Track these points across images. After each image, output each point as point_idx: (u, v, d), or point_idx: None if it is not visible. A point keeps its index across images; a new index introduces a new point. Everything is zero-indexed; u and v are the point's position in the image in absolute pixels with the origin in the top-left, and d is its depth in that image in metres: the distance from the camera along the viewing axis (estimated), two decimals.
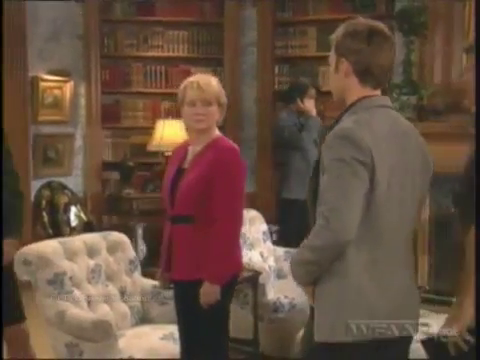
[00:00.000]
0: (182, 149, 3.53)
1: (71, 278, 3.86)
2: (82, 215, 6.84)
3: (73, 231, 6.73)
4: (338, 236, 2.31)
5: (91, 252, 4.08)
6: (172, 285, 3.54)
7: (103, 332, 3.57)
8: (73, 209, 6.79)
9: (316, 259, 2.39)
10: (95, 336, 3.57)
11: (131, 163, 6.98)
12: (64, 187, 6.83)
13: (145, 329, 3.97)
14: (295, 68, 7.26)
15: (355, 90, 2.51)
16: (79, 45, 6.96)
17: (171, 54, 7.27)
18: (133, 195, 6.91)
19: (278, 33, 7.26)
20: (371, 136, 2.37)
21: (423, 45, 5.98)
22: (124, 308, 4.10)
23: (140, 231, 6.83)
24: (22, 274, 3.72)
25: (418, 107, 5.88)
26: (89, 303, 3.92)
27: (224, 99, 3.43)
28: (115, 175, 7.13)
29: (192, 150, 3.44)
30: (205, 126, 3.37)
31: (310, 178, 2.57)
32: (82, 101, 7.04)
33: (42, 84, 6.61)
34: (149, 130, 7.05)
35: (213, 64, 7.35)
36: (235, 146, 3.41)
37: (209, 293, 3.27)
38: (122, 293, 4.15)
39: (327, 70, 6.99)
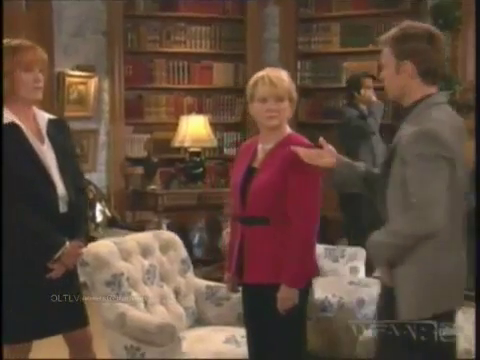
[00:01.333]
0: (250, 147, 3.22)
1: (128, 279, 3.60)
2: (106, 211, 6.57)
3: (98, 227, 6.46)
4: (431, 226, 2.45)
5: (145, 252, 3.81)
6: (240, 288, 3.27)
7: (168, 336, 3.31)
8: (98, 205, 6.51)
9: (403, 245, 2.52)
10: (159, 340, 3.30)
11: (155, 159, 6.69)
12: (89, 183, 6.53)
13: (205, 331, 3.69)
14: (318, 64, 7.02)
15: (418, 89, 2.60)
16: (103, 41, 6.67)
17: (194, 50, 7.01)
18: (158, 191, 6.62)
19: (301, 29, 7.02)
20: (449, 132, 2.51)
21: (455, 40, 5.76)
22: (179, 309, 3.83)
23: (164, 227, 6.58)
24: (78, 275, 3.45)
25: (451, 102, 5.63)
26: (145, 304, 3.66)
27: (295, 94, 3.13)
28: (138, 171, 6.84)
29: (262, 148, 3.13)
30: (277, 123, 3.07)
31: (381, 170, 2.70)
32: (106, 97, 6.76)
33: (68, 79, 6.34)
34: (172, 126, 6.83)
35: (235, 60, 7.10)
36: (310, 143, 3.08)
37: (287, 298, 2.99)
38: (176, 294, 3.88)
39: (353, 66, 6.83)
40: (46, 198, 3.06)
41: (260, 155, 3.13)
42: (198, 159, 6.74)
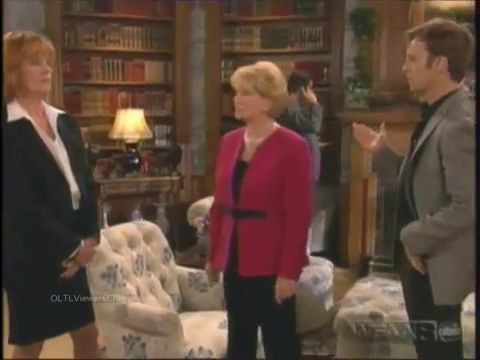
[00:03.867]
0: (236, 140, 2.83)
1: (121, 270, 3.20)
2: None
3: None
4: (474, 217, 2.26)
5: (131, 243, 3.42)
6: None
7: (172, 325, 2.98)
8: None
9: (446, 236, 2.32)
10: (164, 329, 2.97)
11: (95, 150, 6.18)
12: None
13: (197, 317, 3.35)
14: (240, 63, 6.67)
15: (447, 84, 2.41)
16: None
17: (127, 49, 6.49)
18: (99, 180, 6.13)
19: (224, 31, 6.67)
20: None
21: (371, 43, 5.64)
22: (166, 296, 3.48)
23: (105, 215, 6.13)
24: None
25: (370, 99, 5.55)
26: (138, 294, 3.28)
27: (273, 92, 2.71)
28: None
29: (250, 142, 2.78)
30: (244, 115, 2.73)
31: (407, 166, 2.47)
32: None
33: None
34: (108, 119, 6.38)
35: (165, 59, 6.65)
36: (303, 139, 2.80)
37: (286, 289, 2.71)
38: (162, 282, 3.52)
39: None
40: (60, 196, 2.61)
41: (249, 149, 2.78)
42: (134, 150, 6.31)
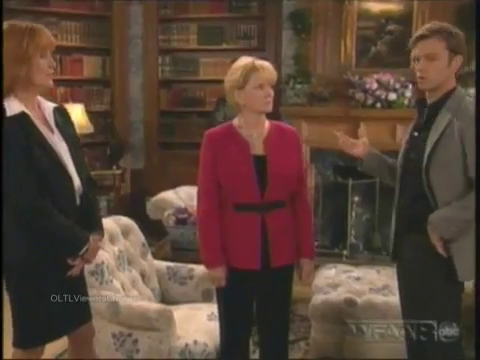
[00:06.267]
0: (229, 135, 2.62)
1: (107, 267, 3.00)
2: None
3: None
4: None
5: (112, 238, 3.21)
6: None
7: (167, 320, 2.81)
8: None
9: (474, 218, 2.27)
10: (159, 325, 2.79)
11: None
12: None
13: (184, 310, 3.15)
14: (177, 59, 6.54)
15: (452, 81, 2.44)
16: None
17: (65, 43, 6.13)
18: None
19: (162, 28, 6.45)
20: None
21: (309, 42, 5.63)
22: (147, 291, 3.29)
23: None
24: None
25: (308, 94, 5.54)
26: (123, 290, 3.09)
27: None
28: None
29: (253, 136, 2.59)
30: (271, 108, 2.60)
31: (415, 157, 2.43)
32: None
33: None
34: None
35: (103, 54, 6.37)
36: (293, 128, 2.79)
37: (311, 269, 2.76)
38: (142, 276, 3.33)
39: (209, 62, 6.46)
40: (64, 191, 2.38)
41: (256, 142, 2.60)
42: None
